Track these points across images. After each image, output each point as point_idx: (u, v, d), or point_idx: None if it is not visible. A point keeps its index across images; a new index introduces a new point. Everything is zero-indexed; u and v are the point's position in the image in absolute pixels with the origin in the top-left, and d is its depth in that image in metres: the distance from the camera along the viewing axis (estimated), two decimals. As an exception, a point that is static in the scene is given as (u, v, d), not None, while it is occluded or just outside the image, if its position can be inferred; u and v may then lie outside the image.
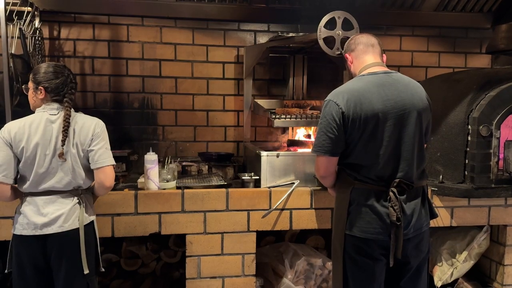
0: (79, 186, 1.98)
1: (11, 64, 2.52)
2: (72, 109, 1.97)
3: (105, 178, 1.99)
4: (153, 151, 2.48)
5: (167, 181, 2.52)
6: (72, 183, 1.95)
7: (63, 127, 1.90)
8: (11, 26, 2.68)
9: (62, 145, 1.89)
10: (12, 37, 2.71)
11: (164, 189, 2.48)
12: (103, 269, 2.10)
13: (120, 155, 2.77)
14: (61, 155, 1.89)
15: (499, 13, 3.50)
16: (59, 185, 1.92)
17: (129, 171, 2.96)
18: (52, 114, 1.93)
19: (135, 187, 2.54)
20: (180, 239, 2.84)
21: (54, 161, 1.90)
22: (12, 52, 2.66)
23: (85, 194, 2.02)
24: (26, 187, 1.92)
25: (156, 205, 2.41)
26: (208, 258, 2.49)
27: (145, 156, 2.45)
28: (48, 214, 1.90)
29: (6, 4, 2.49)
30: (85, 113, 2.07)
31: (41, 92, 1.94)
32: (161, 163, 2.61)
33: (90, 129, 1.97)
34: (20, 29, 2.79)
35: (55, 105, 1.95)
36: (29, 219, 1.89)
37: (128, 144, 3.32)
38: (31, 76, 1.98)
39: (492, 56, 3.61)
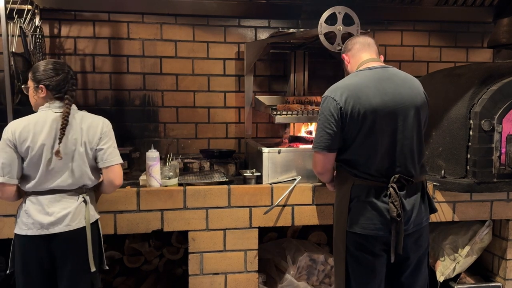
0: (84, 185, 1.97)
1: (12, 63, 2.52)
2: (74, 106, 1.96)
3: (114, 177, 2.00)
4: (154, 148, 2.48)
5: (169, 178, 2.52)
6: (78, 182, 1.94)
7: (61, 125, 1.86)
8: (12, 24, 2.68)
9: (59, 143, 1.85)
10: (13, 36, 2.71)
11: (166, 186, 2.48)
12: (107, 267, 2.11)
13: (122, 153, 2.71)
14: (58, 153, 1.84)
15: (501, 7, 3.47)
16: (64, 184, 1.91)
17: (131, 168, 2.96)
18: (57, 112, 1.90)
19: (137, 185, 2.54)
20: (182, 236, 2.85)
21: (60, 160, 1.88)
22: (13, 50, 2.66)
23: (89, 193, 2.02)
24: (30, 186, 1.89)
25: (158, 202, 2.42)
26: (210, 255, 2.50)
27: (147, 153, 2.44)
28: (54, 213, 1.88)
29: (6, 2, 2.49)
30: (87, 111, 2.06)
31: (42, 91, 1.91)
32: (163, 160, 2.61)
33: (98, 128, 1.96)
34: (20, 27, 2.78)
35: (58, 103, 1.92)
36: (34, 218, 1.88)
37: (130, 141, 3.32)
38: (30, 75, 1.94)
39: (493, 50, 3.59)
